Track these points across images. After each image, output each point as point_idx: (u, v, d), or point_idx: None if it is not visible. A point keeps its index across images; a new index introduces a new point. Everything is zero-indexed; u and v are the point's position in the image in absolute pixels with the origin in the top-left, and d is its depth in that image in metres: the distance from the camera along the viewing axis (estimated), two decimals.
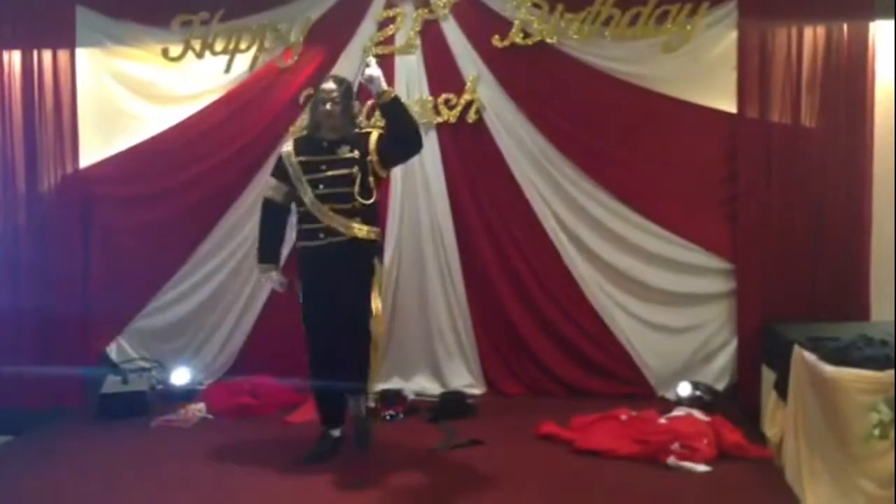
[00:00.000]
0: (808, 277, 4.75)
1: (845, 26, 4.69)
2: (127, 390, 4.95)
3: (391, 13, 5.10)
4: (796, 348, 3.74)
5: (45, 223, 5.30)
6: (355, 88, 4.64)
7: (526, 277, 5.12)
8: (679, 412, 4.44)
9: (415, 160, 4.53)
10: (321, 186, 3.94)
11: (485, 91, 5.08)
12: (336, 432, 4.15)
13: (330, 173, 3.94)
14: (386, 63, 4.94)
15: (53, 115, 5.29)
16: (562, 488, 3.71)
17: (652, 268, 5.03)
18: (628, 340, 5.06)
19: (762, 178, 4.80)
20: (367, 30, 5.14)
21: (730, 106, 4.85)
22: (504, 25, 5.00)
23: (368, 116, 5.01)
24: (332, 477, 3.84)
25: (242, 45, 5.22)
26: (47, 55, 5.27)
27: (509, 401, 5.05)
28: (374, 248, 4.06)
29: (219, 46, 5.24)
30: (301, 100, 5.14)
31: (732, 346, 4.95)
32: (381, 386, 5.11)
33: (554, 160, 5.06)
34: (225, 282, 5.35)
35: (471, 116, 5.08)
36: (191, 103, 5.28)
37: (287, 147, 4.13)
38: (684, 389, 4.74)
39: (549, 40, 4.95)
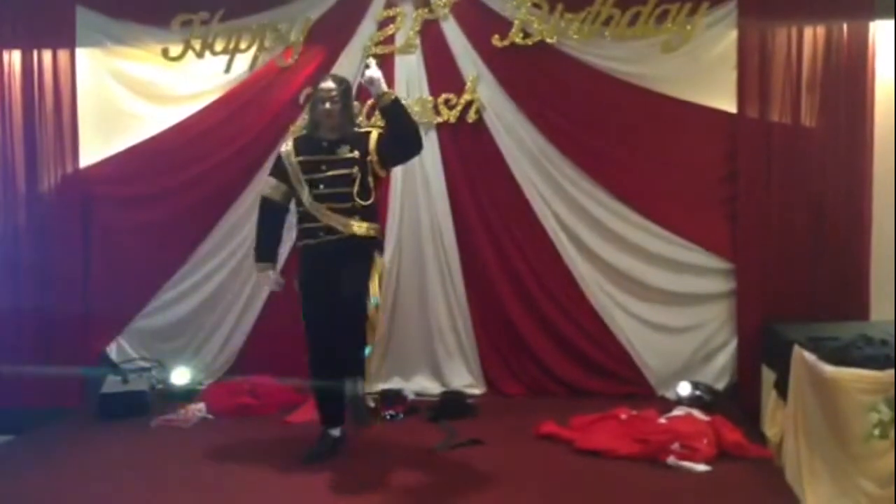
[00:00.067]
0: (808, 277, 4.75)
1: (845, 26, 4.69)
2: (127, 390, 4.95)
3: (391, 13, 5.10)
4: (796, 348, 3.74)
5: (45, 223, 5.30)
6: (355, 89, 4.64)
7: (526, 277, 5.12)
8: (679, 412, 4.44)
9: (415, 160, 4.51)
10: (321, 186, 3.94)
11: (485, 91, 5.08)
12: (336, 432, 4.15)
13: (330, 173, 3.94)
14: (386, 63, 4.95)
15: (53, 115, 5.29)
16: (562, 488, 3.71)
17: (652, 267, 5.03)
18: (628, 340, 5.06)
19: (762, 177, 4.80)
20: (366, 29, 5.14)
21: (730, 106, 4.85)
22: (504, 25, 5.00)
23: (368, 117, 5.01)
24: (332, 477, 3.84)
25: (242, 45, 5.22)
26: (47, 55, 5.28)
27: (509, 401, 5.05)
28: (373, 243, 4.05)
29: (219, 46, 5.24)
30: (301, 99, 5.14)
31: (732, 345, 4.95)
32: (381, 386, 5.13)
33: (554, 160, 5.06)
34: (225, 282, 5.35)
35: (471, 116, 5.08)
36: (191, 103, 5.28)
37: (286, 146, 4.13)
38: (684, 389, 4.74)
39: (549, 40, 4.95)
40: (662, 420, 4.31)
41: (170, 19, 5.21)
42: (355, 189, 3.91)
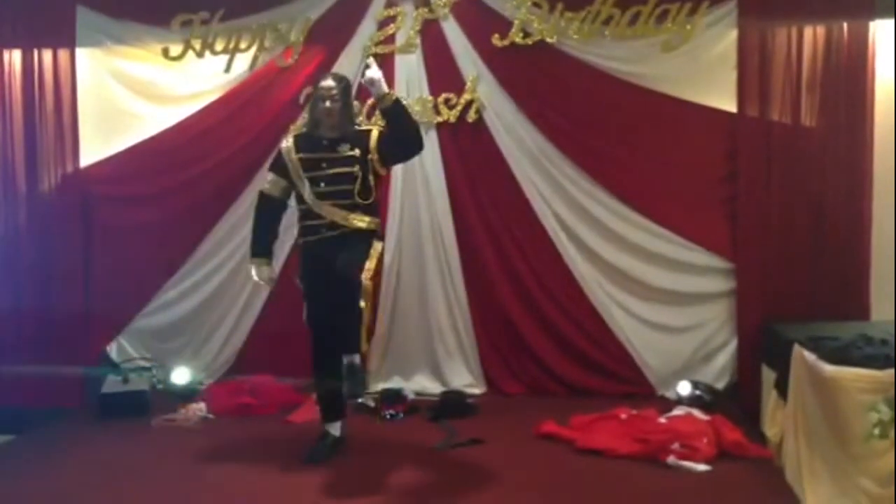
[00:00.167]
0: (808, 277, 4.75)
1: (845, 25, 4.69)
2: (127, 390, 4.95)
3: (391, 12, 5.11)
4: (796, 347, 3.74)
5: (45, 223, 5.31)
6: (355, 88, 4.64)
7: (526, 277, 5.12)
8: (679, 411, 4.44)
9: (415, 160, 4.52)
10: (322, 184, 3.94)
11: (485, 90, 5.08)
12: (336, 431, 4.15)
13: (330, 171, 3.94)
14: (386, 62, 4.95)
15: (54, 115, 5.30)
16: (562, 488, 3.71)
17: (652, 267, 5.03)
18: (628, 340, 5.06)
19: (762, 177, 4.80)
20: (367, 29, 5.14)
21: (730, 105, 4.84)
22: (504, 25, 5.00)
23: (368, 116, 5.01)
24: (332, 476, 3.84)
25: (242, 45, 5.22)
26: (47, 55, 5.28)
27: (509, 400, 5.05)
28: (374, 234, 4.04)
29: (219, 46, 5.24)
30: (301, 99, 5.14)
31: (732, 345, 4.95)
32: (381, 385, 5.13)
33: (554, 160, 5.06)
34: (225, 282, 5.36)
35: (471, 116, 5.08)
36: (191, 103, 5.29)
37: (286, 142, 4.12)
38: (684, 389, 4.74)
39: (549, 40, 4.95)
40: (662, 420, 4.31)
41: (170, 19, 5.22)
42: (356, 187, 3.92)
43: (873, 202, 4.70)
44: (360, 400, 4.67)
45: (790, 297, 4.73)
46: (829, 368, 3.32)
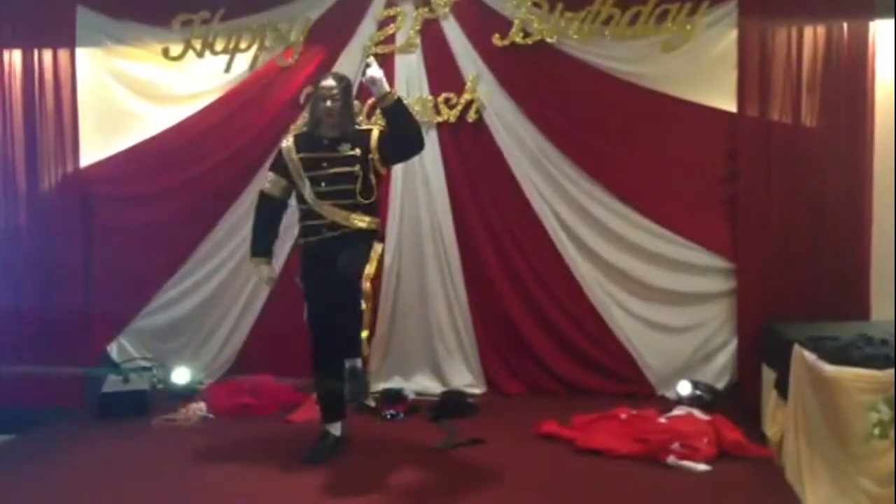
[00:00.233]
0: (808, 276, 4.75)
1: (845, 25, 4.69)
2: (127, 389, 4.96)
3: (391, 12, 5.11)
4: (796, 347, 3.73)
5: (45, 222, 5.31)
6: (355, 88, 4.64)
7: (526, 276, 5.12)
8: (679, 411, 4.45)
9: (415, 159, 4.53)
10: (322, 184, 3.94)
11: (485, 90, 5.08)
12: (337, 430, 4.15)
13: (331, 171, 3.94)
14: (386, 62, 4.95)
15: (54, 115, 5.30)
16: (562, 487, 3.71)
17: (652, 267, 5.03)
18: (628, 339, 5.06)
19: (762, 177, 4.80)
20: (367, 29, 5.14)
21: (730, 105, 4.84)
22: (504, 25, 5.00)
23: (368, 116, 5.01)
24: (332, 476, 3.84)
25: (243, 45, 5.22)
26: (48, 54, 5.28)
27: (510, 400, 5.05)
28: (375, 235, 4.04)
29: (219, 46, 5.24)
30: (301, 99, 5.14)
31: (732, 345, 4.95)
32: (381, 385, 5.13)
33: (554, 159, 5.06)
34: (225, 281, 5.36)
35: (471, 116, 5.08)
36: (191, 103, 5.29)
37: (287, 142, 4.12)
38: (684, 388, 4.74)
39: (549, 40, 4.95)
40: (663, 419, 4.32)
41: (170, 19, 5.22)
42: (358, 187, 3.92)
43: (873, 202, 4.70)
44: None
45: (790, 297, 4.73)
46: (829, 368, 3.32)
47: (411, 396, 5.04)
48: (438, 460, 4.06)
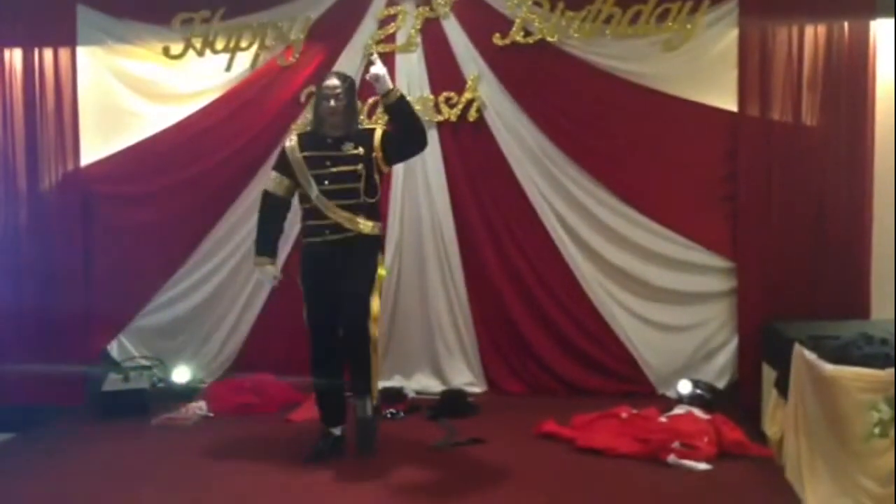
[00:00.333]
0: (808, 276, 4.75)
1: (846, 25, 4.69)
2: (128, 388, 4.96)
3: (392, 11, 5.10)
4: (797, 346, 3.73)
5: (45, 221, 5.30)
6: (357, 86, 4.64)
7: (526, 275, 5.12)
8: (679, 410, 4.45)
9: (416, 159, 4.53)
10: (326, 182, 3.94)
11: (486, 89, 5.08)
12: (337, 431, 4.15)
13: (335, 170, 3.95)
14: (387, 61, 4.90)
15: (54, 114, 5.29)
16: (562, 486, 3.71)
17: (652, 266, 5.03)
18: (629, 338, 5.06)
19: (763, 176, 4.80)
20: (367, 28, 5.14)
21: (730, 104, 4.85)
22: (505, 24, 5.00)
23: (369, 115, 5.01)
24: (332, 475, 3.84)
25: (243, 44, 5.22)
26: (48, 53, 5.27)
27: (510, 399, 5.06)
28: (377, 244, 4.06)
29: (220, 45, 5.24)
30: (302, 98, 5.14)
31: (733, 344, 4.95)
32: (382, 384, 5.12)
33: (555, 158, 5.06)
34: (225, 281, 5.35)
35: (472, 115, 5.08)
36: (192, 102, 5.28)
37: (290, 141, 4.13)
38: (685, 387, 4.73)
39: (549, 39, 4.95)
40: (663, 419, 4.32)
41: (171, 18, 5.21)
42: (362, 186, 3.92)
43: (873, 202, 4.70)
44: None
45: (791, 296, 4.73)
46: (829, 367, 3.32)
47: (411, 395, 5.05)
48: (438, 459, 4.06)
